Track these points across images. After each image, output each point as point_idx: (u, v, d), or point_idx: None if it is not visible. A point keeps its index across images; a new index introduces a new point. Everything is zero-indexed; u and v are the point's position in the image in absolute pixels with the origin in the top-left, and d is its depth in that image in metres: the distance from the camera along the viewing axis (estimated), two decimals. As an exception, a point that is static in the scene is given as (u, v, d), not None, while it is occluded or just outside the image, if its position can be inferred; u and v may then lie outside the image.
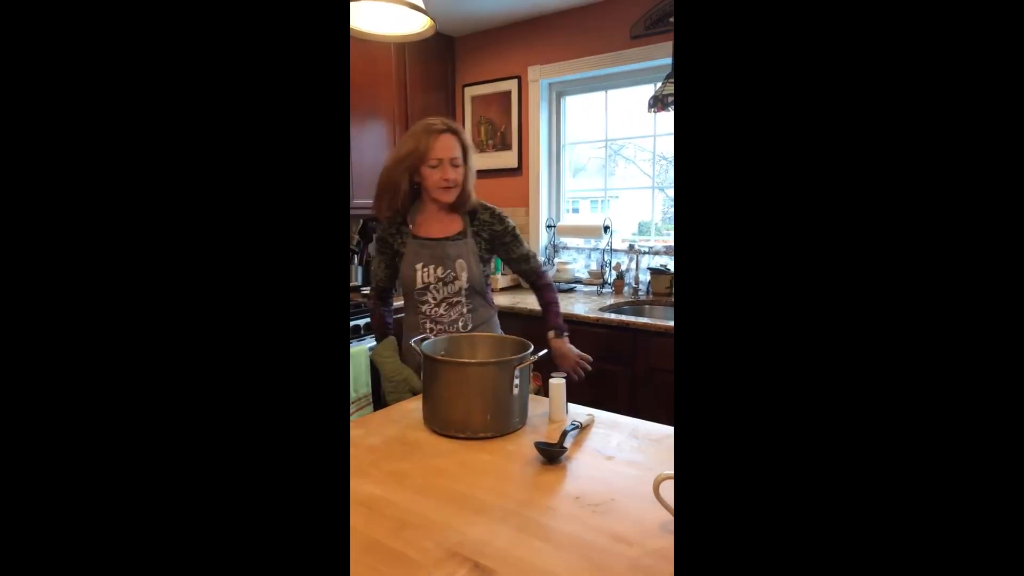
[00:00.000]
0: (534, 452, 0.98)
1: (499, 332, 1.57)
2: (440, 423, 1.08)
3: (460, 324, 1.47)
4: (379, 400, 2.40)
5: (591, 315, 2.18)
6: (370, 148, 2.66)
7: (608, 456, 1.00)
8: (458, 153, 1.43)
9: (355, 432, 1.10)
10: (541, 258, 1.62)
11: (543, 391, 1.26)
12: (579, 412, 1.19)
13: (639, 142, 2.78)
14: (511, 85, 2.90)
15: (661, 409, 2.05)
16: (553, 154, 2.94)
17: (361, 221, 2.79)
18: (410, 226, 1.50)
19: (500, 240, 1.52)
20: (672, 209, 2.71)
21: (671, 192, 2.69)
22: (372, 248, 1.60)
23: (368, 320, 2.38)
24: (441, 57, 3.02)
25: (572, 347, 1.51)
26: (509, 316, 2.24)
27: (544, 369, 1.42)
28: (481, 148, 3.06)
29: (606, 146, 2.86)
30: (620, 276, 2.65)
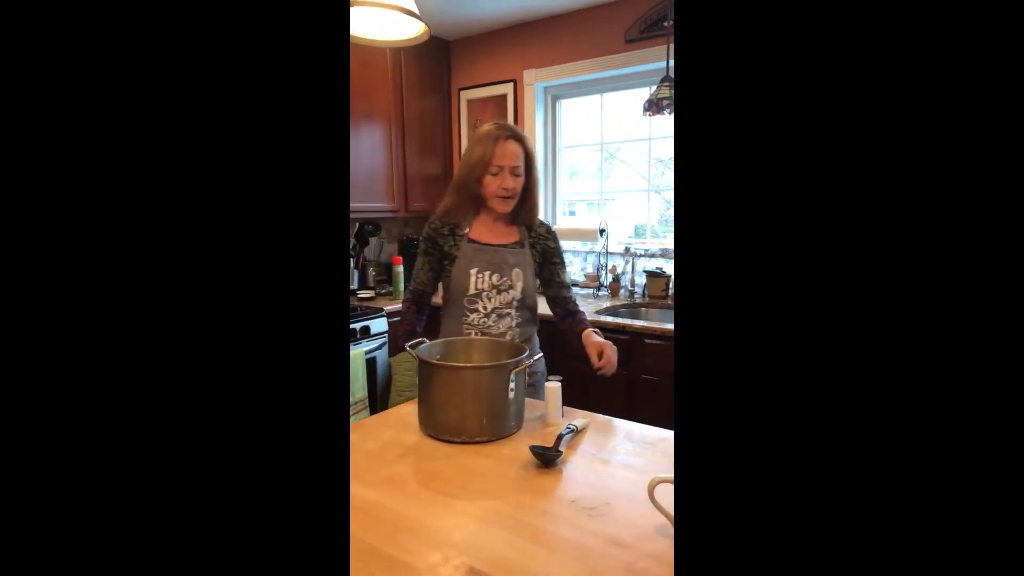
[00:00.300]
0: (530, 456, 0.98)
1: (538, 347, 1.51)
2: (436, 427, 1.08)
3: (508, 337, 1.39)
4: (375, 403, 2.40)
5: (588, 318, 2.18)
6: (366, 151, 2.66)
7: (604, 459, 1.00)
8: (520, 162, 1.36)
9: (351, 436, 1.10)
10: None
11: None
12: (575, 415, 1.20)
13: (634, 145, 2.79)
14: (507, 89, 2.91)
15: (657, 412, 2.05)
16: (549, 157, 2.95)
17: (357, 224, 2.79)
18: (465, 229, 1.44)
19: (550, 259, 1.47)
20: (668, 211, 2.72)
21: (667, 195, 2.70)
22: (421, 247, 1.50)
23: (364, 324, 2.38)
24: (437, 61, 3.03)
25: (613, 348, 1.34)
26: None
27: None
28: (477, 151, 3.06)
29: (602, 149, 2.87)
30: (616, 279, 2.65)
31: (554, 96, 2.91)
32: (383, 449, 1.05)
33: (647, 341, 2.07)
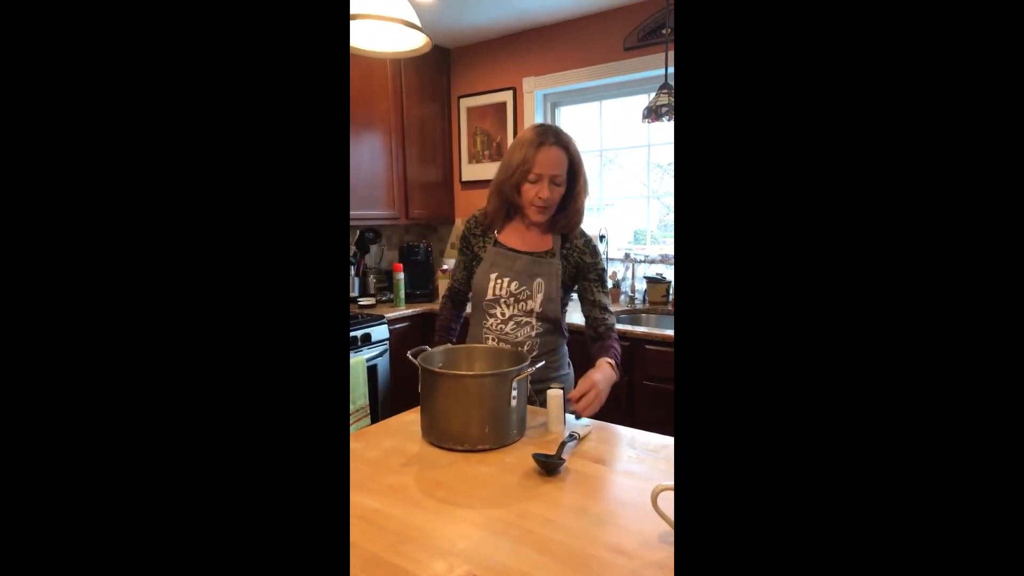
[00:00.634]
0: (533, 464, 0.99)
1: (566, 362, 1.44)
2: (438, 435, 1.09)
3: (527, 347, 1.32)
4: (377, 412, 2.40)
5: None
6: (366, 159, 2.67)
7: (606, 467, 1.00)
8: (562, 170, 1.27)
9: (354, 445, 1.10)
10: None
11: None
12: (577, 423, 1.20)
13: (633, 151, 2.80)
14: (506, 96, 2.93)
15: (659, 419, 2.05)
16: (548, 164, 2.96)
17: (358, 232, 2.80)
18: (496, 231, 1.38)
19: (585, 274, 1.37)
20: (667, 217, 2.72)
21: (666, 200, 2.71)
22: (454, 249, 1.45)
23: (365, 331, 2.38)
24: (437, 69, 3.04)
25: (605, 384, 1.22)
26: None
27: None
28: (477, 159, 3.08)
29: (601, 155, 2.88)
30: (616, 285, 2.66)
31: (553, 103, 2.93)
32: (385, 457, 1.05)
33: (648, 347, 2.07)
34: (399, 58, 1.20)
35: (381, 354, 2.46)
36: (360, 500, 0.89)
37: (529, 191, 1.28)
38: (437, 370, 1.09)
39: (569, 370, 1.45)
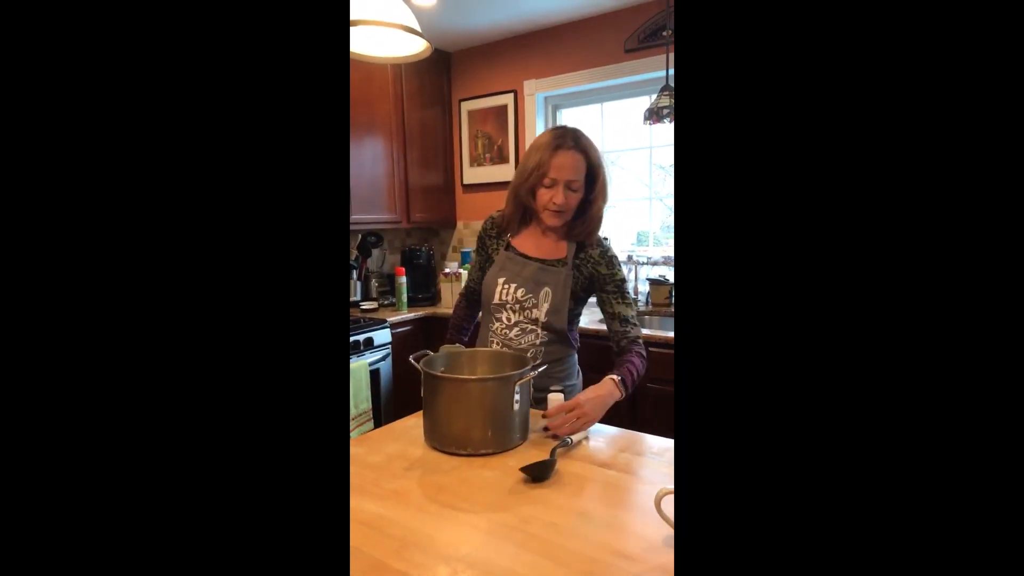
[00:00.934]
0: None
1: (576, 372, 1.41)
2: (440, 440, 1.08)
3: (530, 354, 1.28)
4: (380, 416, 2.40)
5: (591, 326, 2.18)
6: (367, 163, 2.68)
7: (610, 470, 1.00)
8: (579, 175, 1.23)
9: (356, 450, 1.10)
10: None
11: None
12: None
13: (635, 153, 2.80)
14: (507, 99, 2.93)
15: (661, 422, 2.05)
16: (550, 166, 2.96)
17: (360, 236, 2.80)
18: (510, 235, 1.36)
19: (600, 286, 1.32)
20: (670, 218, 2.72)
21: (668, 201, 2.71)
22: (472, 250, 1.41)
23: (367, 335, 2.39)
24: (437, 72, 3.05)
25: (593, 405, 1.13)
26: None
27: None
28: (478, 162, 3.08)
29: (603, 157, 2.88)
30: (619, 287, 2.65)
31: (555, 106, 2.93)
32: (388, 462, 1.05)
33: (651, 349, 2.06)
34: (399, 63, 1.20)
35: (384, 358, 2.46)
36: (363, 505, 0.88)
37: (544, 195, 1.25)
38: (439, 374, 1.09)
39: (578, 380, 1.43)
